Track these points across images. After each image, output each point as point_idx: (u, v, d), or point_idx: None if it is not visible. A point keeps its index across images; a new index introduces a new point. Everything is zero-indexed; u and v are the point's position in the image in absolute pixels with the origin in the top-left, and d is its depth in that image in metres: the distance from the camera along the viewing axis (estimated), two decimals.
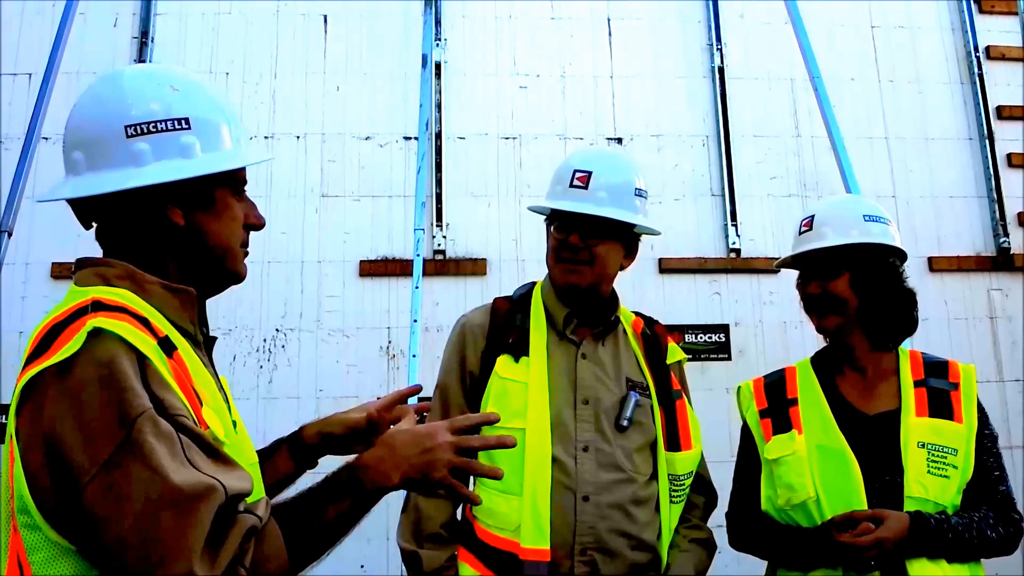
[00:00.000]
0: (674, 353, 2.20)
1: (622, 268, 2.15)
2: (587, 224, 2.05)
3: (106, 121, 1.25)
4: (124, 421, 1.05)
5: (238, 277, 1.38)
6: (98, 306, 1.15)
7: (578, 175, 2.08)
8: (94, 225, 1.32)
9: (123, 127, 1.24)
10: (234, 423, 1.32)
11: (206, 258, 1.32)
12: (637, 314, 2.25)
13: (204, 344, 1.36)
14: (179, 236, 1.29)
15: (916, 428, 1.96)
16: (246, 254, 1.39)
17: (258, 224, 1.40)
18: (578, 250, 2.06)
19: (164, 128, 1.25)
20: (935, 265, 4.66)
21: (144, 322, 1.16)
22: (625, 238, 2.11)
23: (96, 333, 1.09)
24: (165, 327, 1.21)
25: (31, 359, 1.11)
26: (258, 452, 1.48)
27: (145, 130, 1.24)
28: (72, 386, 1.07)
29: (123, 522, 1.03)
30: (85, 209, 1.30)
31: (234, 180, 1.35)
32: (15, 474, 1.10)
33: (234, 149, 1.32)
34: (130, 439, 1.04)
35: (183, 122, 1.26)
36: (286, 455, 1.57)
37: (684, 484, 2.11)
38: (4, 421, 3.84)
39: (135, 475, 1.03)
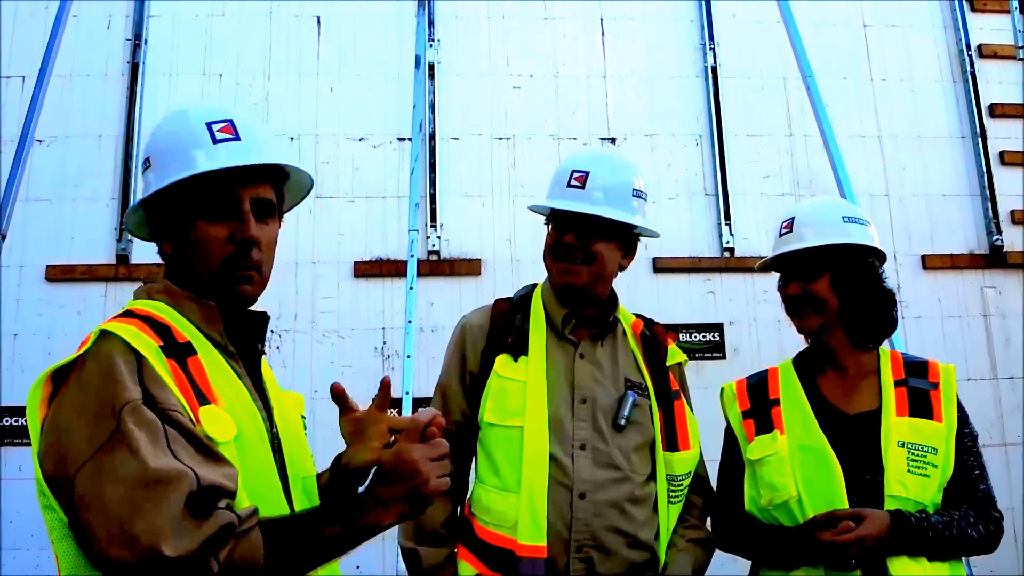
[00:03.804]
0: (674, 355, 2.20)
1: (621, 269, 2.15)
2: (583, 224, 2.05)
3: None
4: (113, 411, 1.17)
5: (234, 295, 1.40)
6: (128, 315, 1.33)
7: (575, 175, 2.08)
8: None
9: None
10: (275, 433, 1.43)
11: (198, 281, 1.40)
12: (637, 315, 2.25)
13: (241, 354, 1.44)
14: (177, 264, 1.41)
15: (896, 427, 1.98)
16: (248, 274, 1.39)
17: (241, 237, 1.37)
18: (573, 250, 2.06)
19: (143, 171, 1.45)
20: (928, 263, 4.68)
21: (164, 328, 1.30)
22: (622, 238, 2.11)
23: (104, 335, 1.25)
24: (190, 334, 1.34)
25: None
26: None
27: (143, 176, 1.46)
28: (79, 378, 1.22)
29: (103, 501, 1.12)
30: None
31: (205, 207, 1.37)
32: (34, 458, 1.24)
33: (186, 168, 1.36)
34: (119, 427, 1.15)
35: (146, 162, 1.45)
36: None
37: (682, 484, 2.11)
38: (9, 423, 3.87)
39: (117, 459, 1.14)
